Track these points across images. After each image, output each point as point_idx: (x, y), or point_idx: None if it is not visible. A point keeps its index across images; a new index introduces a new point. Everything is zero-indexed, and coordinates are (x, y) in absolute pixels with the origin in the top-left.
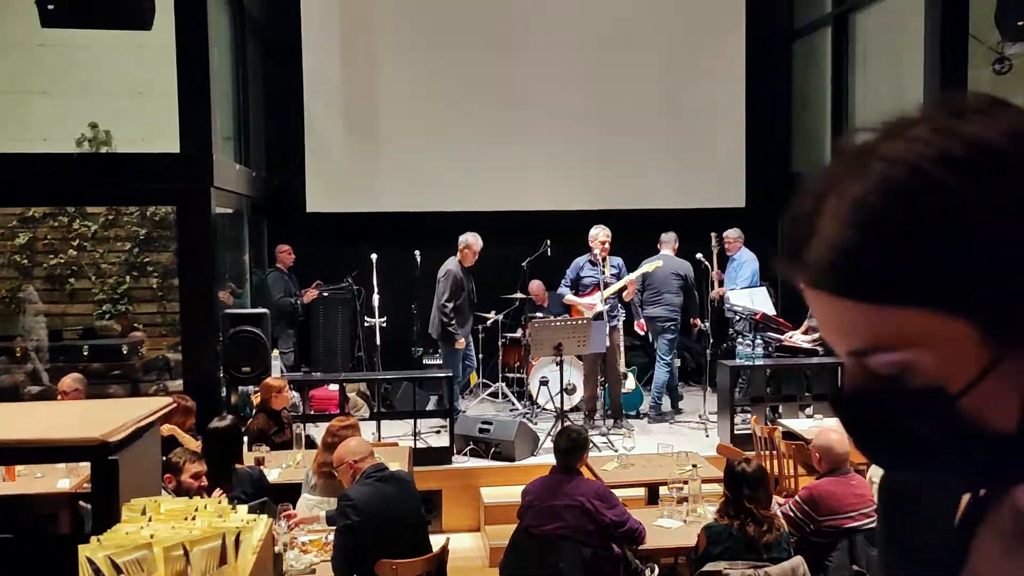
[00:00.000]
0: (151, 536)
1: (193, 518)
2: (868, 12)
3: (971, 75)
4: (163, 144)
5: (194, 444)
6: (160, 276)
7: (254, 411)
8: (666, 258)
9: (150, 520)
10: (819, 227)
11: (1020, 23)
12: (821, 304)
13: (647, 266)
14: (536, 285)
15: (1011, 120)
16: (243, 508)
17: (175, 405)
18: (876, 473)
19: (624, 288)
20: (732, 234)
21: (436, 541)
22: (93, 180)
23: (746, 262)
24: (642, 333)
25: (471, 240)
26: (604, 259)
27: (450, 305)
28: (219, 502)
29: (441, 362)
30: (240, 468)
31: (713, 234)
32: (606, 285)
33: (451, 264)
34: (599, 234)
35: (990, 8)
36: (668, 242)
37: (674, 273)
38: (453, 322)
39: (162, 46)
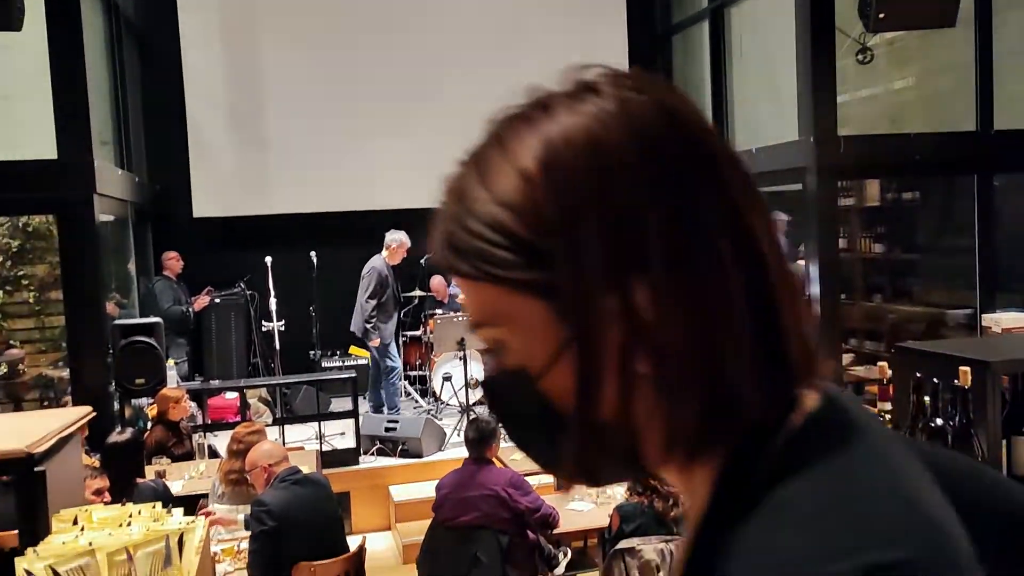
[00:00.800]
0: (90, 543)
1: (129, 524)
2: (741, 6)
3: (838, 64)
4: (32, 150)
5: (88, 460)
6: (36, 290)
7: (151, 424)
8: None
9: (83, 530)
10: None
11: (880, 15)
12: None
13: None
14: (437, 281)
15: (597, 107)
16: (179, 512)
17: (95, 414)
18: None
19: None
20: None
21: (353, 542)
22: None
23: None
24: None
25: (403, 238)
26: None
27: (373, 302)
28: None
29: (377, 358)
30: (142, 482)
31: None
32: None
33: (376, 261)
34: None
35: (853, 1)
36: None
37: None
38: (374, 318)
39: (30, 47)
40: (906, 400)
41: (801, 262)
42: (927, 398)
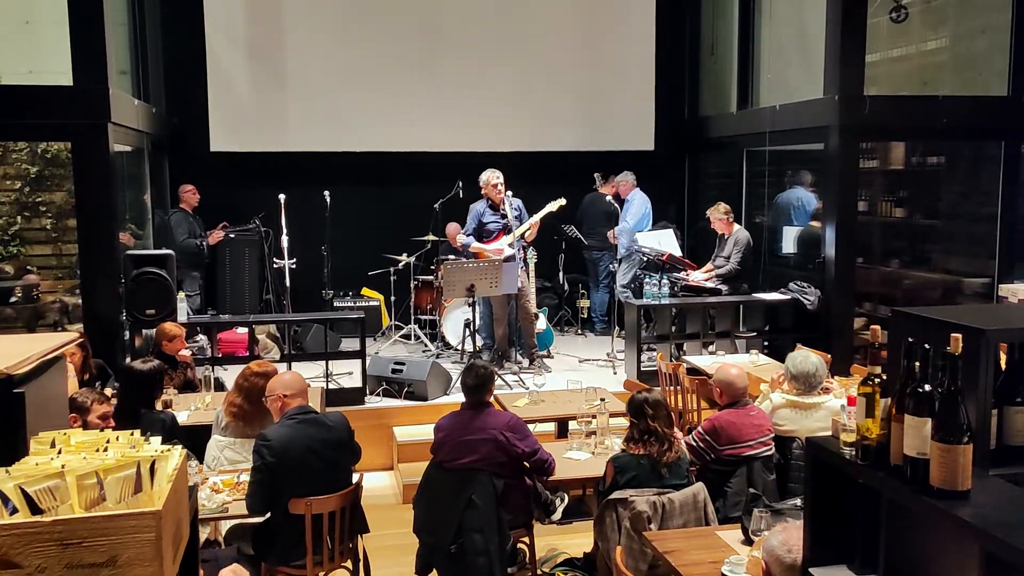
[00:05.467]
0: (62, 466)
1: (105, 449)
2: None
3: (871, 22)
4: (52, 77)
5: (75, 385)
6: (54, 217)
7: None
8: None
9: (60, 452)
10: None
11: None
12: None
13: (551, 206)
14: (453, 227)
15: None
16: (156, 440)
17: (82, 339)
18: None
19: (528, 229)
20: (619, 178)
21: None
22: None
23: (634, 202)
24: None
25: (485, 176)
26: (502, 202)
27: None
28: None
29: None
30: (150, 412)
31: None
32: (509, 229)
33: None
34: (490, 178)
35: None
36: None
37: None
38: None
39: None
40: (898, 365)
41: (816, 223)
42: (917, 364)
